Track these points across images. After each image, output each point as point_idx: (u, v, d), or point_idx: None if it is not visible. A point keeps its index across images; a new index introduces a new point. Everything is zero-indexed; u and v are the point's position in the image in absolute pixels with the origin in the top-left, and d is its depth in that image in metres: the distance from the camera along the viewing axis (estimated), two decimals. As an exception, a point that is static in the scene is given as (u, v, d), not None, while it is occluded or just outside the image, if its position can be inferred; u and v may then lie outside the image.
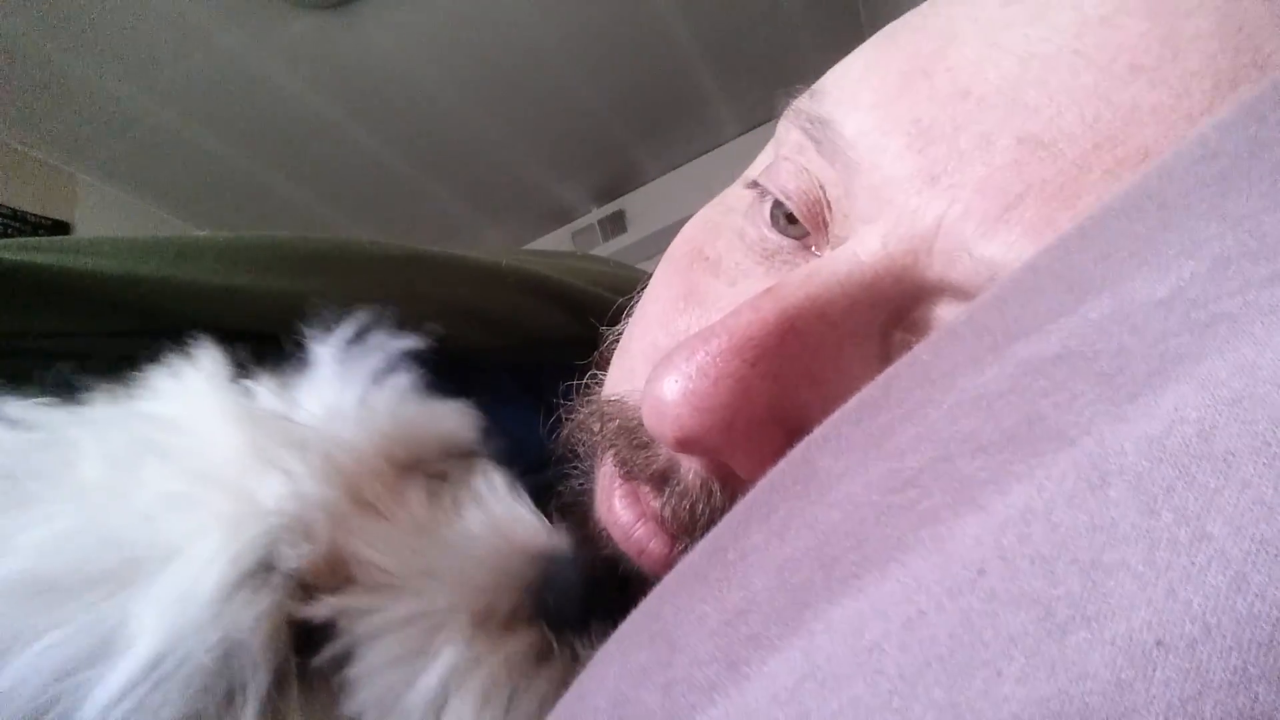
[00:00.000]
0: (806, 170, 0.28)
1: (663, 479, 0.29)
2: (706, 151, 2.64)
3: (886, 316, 0.25)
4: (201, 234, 0.38)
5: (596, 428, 0.32)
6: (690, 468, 0.28)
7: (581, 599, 0.26)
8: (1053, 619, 0.12)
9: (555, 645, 0.26)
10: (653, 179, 2.75)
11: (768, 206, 0.30)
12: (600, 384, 0.36)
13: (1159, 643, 0.11)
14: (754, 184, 0.31)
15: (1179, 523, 0.11)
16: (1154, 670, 0.11)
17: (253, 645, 0.21)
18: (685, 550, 0.24)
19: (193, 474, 0.23)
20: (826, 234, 0.28)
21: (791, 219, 0.29)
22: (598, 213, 2.78)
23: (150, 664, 0.20)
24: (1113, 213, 0.18)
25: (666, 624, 0.18)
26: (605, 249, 2.66)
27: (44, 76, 1.70)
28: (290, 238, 0.38)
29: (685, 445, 0.25)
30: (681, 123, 2.47)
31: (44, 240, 0.34)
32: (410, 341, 0.30)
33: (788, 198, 0.28)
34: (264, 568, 0.22)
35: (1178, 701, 0.10)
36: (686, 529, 0.28)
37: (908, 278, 0.24)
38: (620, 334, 0.38)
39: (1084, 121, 0.22)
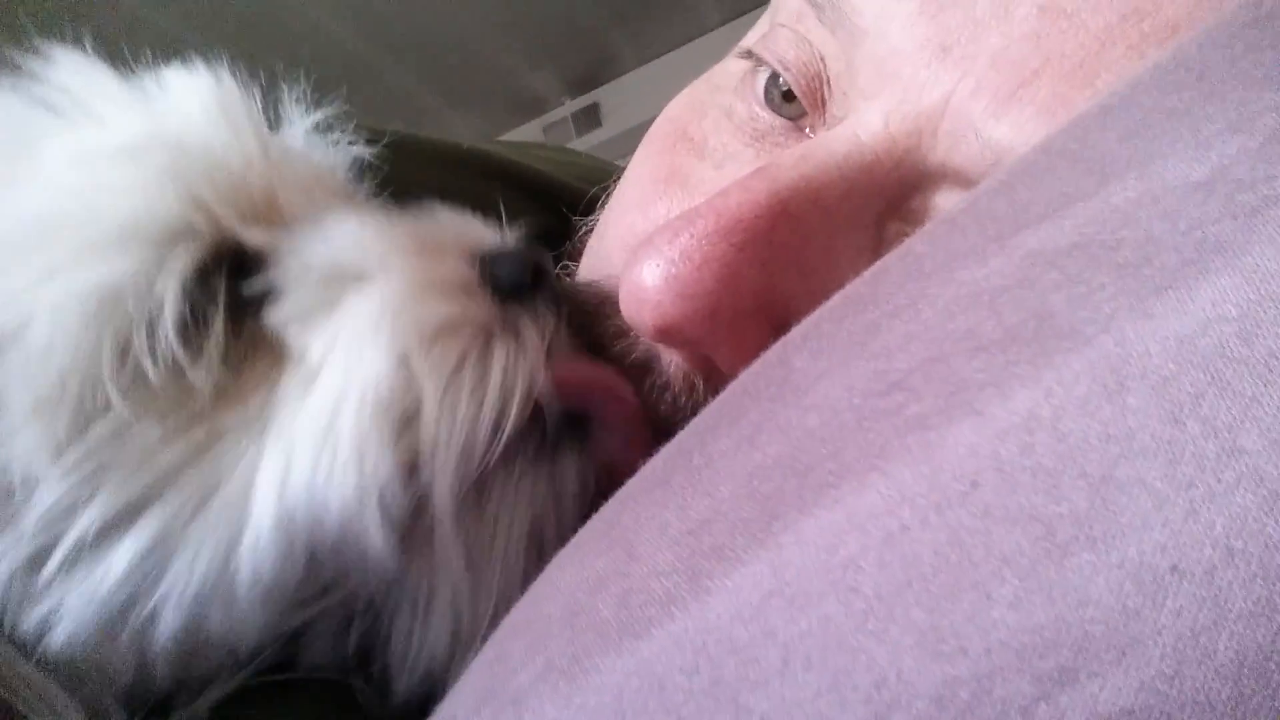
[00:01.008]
0: (807, 40, 0.25)
1: (642, 369, 0.27)
2: (687, 41, 2.51)
3: (884, 204, 0.24)
4: None
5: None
6: (672, 360, 0.27)
7: (521, 267, 0.26)
8: (1053, 539, 0.10)
9: (485, 289, 0.26)
10: (630, 70, 2.61)
11: (762, 80, 0.27)
12: (572, 276, 0.34)
13: (1174, 568, 0.10)
14: (748, 53, 0.28)
15: (1207, 435, 0.10)
16: (1165, 598, 0.10)
17: (172, 242, 0.23)
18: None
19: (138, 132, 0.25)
20: (824, 114, 0.26)
21: (787, 96, 0.27)
22: (571, 105, 2.66)
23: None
24: (1141, 86, 0.16)
25: (625, 531, 0.17)
26: (579, 144, 2.55)
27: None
28: None
29: (665, 335, 0.24)
30: (660, 7, 2.32)
31: None
32: (366, 151, 0.32)
33: (786, 68, 0.26)
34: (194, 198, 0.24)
35: (1189, 633, 0.09)
36: (666, 426, 0.27)
37: (908, 162, 0.23)
38: (594, 224, 0.35)
39: None
